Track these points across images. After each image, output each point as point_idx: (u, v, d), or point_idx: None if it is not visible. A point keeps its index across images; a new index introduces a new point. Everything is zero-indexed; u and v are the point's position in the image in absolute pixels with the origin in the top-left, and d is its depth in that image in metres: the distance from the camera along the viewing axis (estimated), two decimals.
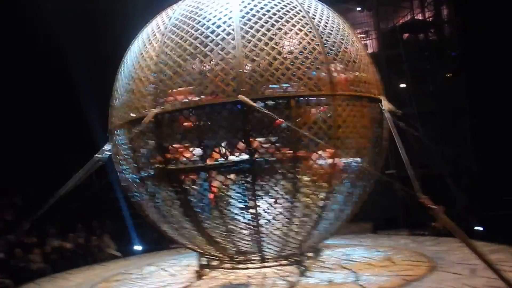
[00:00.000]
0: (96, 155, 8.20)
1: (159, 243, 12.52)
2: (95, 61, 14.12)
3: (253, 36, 6.68)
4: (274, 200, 6.92)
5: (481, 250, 5.88)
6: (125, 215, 13.16)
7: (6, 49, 13.65)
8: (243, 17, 6.81)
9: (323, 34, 7.05)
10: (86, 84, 13.87)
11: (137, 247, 12.66)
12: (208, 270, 8.20)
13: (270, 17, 6.85)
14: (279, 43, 6.78)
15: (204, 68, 6.80)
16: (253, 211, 6.85)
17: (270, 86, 6.63)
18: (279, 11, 6.96)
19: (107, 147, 8.18)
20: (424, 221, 10.76)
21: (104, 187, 12.10)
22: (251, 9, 6.89)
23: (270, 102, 6.65)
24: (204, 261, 8.18)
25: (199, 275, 8.03)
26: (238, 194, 6.81)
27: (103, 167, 8.54)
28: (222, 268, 8.15)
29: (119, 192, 12.39)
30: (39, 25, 13.68)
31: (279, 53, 6.70)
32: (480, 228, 10.44)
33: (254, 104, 6.37)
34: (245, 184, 6.67)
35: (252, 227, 7.01)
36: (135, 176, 7.46)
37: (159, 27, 7.37)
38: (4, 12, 13.98)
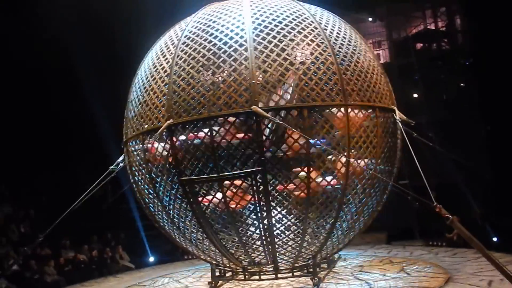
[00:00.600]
0: (111, 166, 8.29)
1: (173, 254, 12.55)
2: (107, 72, 14.30)
3: (266, 47, 6.72)
4: (287, 210, 6.92)
5: (498, 261, 5.79)
6: (139, 226, 13.22)
7: (18, 58, 13.88)
8: (255, 28, 6.86)
9: (335, 45, 7.07)
10: (100, 95, 14.01)
11: (151, 259, 12.68)
12: (221, 281, 8.19)
13: (282, 28, 6.89)
14: (291, 54, 6.81)
15: (217, 79, 6.86)
16: (266, 221, 6.85)
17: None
18: (291, 22, 7.00)
19: (121, 158, 8.25)
20: (441, 230, 10.66)
21: (119, 199, 12.19)
22: (264, 21, 6.93)
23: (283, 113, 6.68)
24: (217, 272, 8.18)
25: (213, 286, 8.01)
26: (251, 205, 6.82)
27: (118, 178, 8.62)
28: (236, 279, 8.13)
29: (133, 203, 12.47)
30: (53, 34, 13.90)
31: (292, 64, 6.73)
32: (495, 239, 10.30)
33: (267, 114, 6.40)
34: (258, 195, 6.66)
35: (265, 238, 6.99)
36: (149, 187, 7.51)
37: (172, 39, 7.45)
38: (18, 22, 14.25)
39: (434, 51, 18.56)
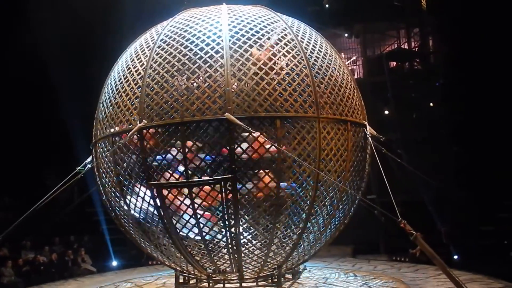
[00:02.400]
0: (78, 167, 8.11)
1: (137, 259, 12.35)
2: (80, 73, 14.10)
3: (242, 55, 6.74)
4: (254, 219, 6.91)
5: (458, 279, 5.90)
6: (104, 229, 12.99)
7: None
8: (232, 36, 6.87)
9: (311, 58, 7.13)
10: (69, 96, 13.77)
11: (114, 263, 12.45)
12: None
13: (260, 38, 6.93)
14: (267, 63, 6.83)
15: (192, 85, 6.82)
16: (233, 229, 6.81)
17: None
18: (268, 32, 7.04)
19: (89, 159, 8.10)
20: (406, 246, 10.83)
21: (85, 201, 11.96)
22: (241, 29, 6.95)
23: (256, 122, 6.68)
24: (181, 279, 8.08)
25: None
26: (219, 212, 6.79)
27: (85, 180, 8.44)
28: (200, 287, 8.05)
29: (99, 206, 12.26)
30: (28, 40, 13.64)
31: (267, 73, 6.75)
32: (456, 256, 10.54)
33: (240, 122, 6.39)
34: (227, 202, 6.63)
35: (231, 246, 6.96)
36: (116, 190, 7.39)
37: (147, 42, 7.38)
38: None
39: (406, 70, 18.98)
